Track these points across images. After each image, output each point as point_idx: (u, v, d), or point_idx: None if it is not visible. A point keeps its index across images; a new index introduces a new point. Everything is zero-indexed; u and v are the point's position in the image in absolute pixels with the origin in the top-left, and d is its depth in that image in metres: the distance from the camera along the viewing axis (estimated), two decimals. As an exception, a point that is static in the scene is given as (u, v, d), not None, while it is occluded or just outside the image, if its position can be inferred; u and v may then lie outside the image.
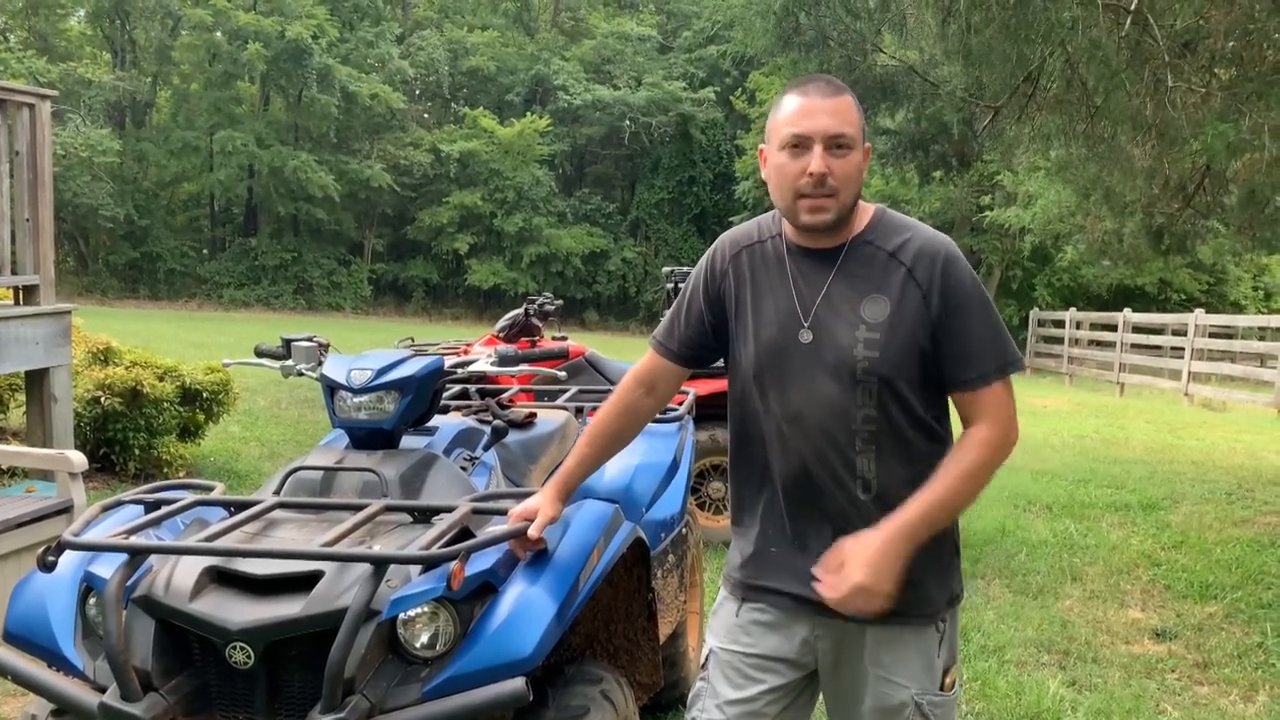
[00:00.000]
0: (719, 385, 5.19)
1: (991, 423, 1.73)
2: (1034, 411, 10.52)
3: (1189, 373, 15.00)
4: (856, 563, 1.65)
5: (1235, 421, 12.46)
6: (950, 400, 1.85)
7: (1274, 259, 24.14)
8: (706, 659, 1.97)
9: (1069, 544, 5.79)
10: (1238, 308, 25.19)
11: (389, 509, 2.11)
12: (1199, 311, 16.01)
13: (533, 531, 1.93)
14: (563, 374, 2.92)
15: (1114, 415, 12.52)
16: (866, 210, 1.83)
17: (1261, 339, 15.60)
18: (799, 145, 1.72)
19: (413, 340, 5.25)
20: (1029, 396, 13.21)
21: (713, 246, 1.98)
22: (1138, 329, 17.52)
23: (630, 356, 5.85)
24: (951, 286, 1.74)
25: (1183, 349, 15.32)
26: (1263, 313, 24.42)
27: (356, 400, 2.34)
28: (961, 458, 1.73)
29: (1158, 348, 16.66)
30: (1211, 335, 15.63)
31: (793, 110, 1.74)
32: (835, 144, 1.71)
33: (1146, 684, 3.81)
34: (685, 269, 5.83)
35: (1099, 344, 18.65)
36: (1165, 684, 3.85)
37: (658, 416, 3.23)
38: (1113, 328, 17.64)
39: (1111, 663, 4.02)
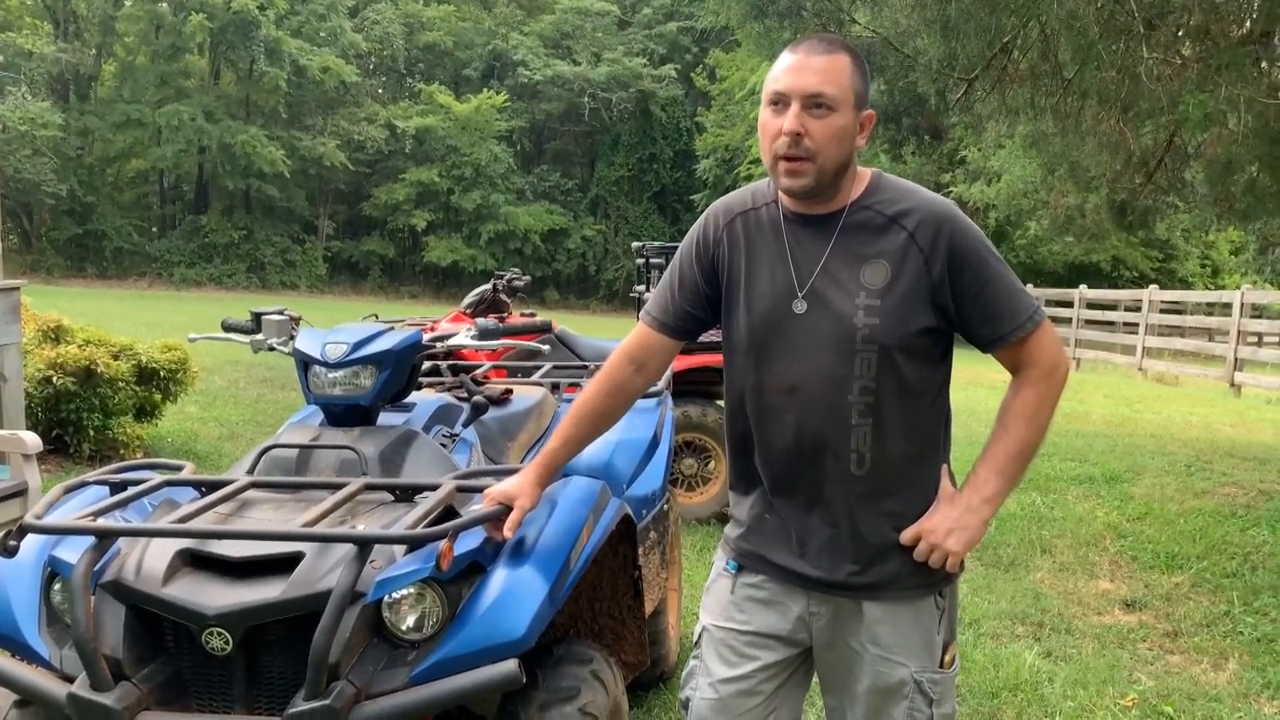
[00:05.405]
0: (690, 361, 5.15)
1: (1037, 362, 1.75)
2: (993, 386, 10.64)
3: (1143, 348, 15.26)
4: (944, 531, 1.73)
5: (1189, 395, 12.69)
6: (946, 370, 1.82)
7: (1221, 236, 24.67)
8: (699, 637, 1.93)
9: (1036, 517, 5.83)
10: (1186, 284, 25.71)
11: (369, 487, 2.04)
12: (1153, 288, 16.26)
13: (507, 530, 1.87)
14: (546, 348, 2.84)
15: (1072, 389, 12.67)
16: (864, 175, 1.78)
17: (1209, 314, 15.90)
18: (778, 103, 1.67)
19: (377, 317, 5.09)
20: (989, 372, 13.35)
21: (704, 214, 1.92)
22: (1092, 305, 17.77)
23: (592, 335, 5.79)
24: (960, 250, 1.70)
25: (1135, 324, 15.57)
26: (1210, 288, 24.92)
27: (332, 375, 2.25)
28: (1014, 406, 1.76)
29: (1111, 323, 16.92)
30: (1162, 311, 15.89)
31: (781, 67, 1.69)
32: (814, 103, 1.65)
33: (1119, 654, 3.85)
34: (656, 243, 5.75)
35: (1055, 320, 18.80)
36: (1137, 653, 3.89)
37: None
38: (1068, 304, 17.88)
39: (1084, 633, 4.05)
